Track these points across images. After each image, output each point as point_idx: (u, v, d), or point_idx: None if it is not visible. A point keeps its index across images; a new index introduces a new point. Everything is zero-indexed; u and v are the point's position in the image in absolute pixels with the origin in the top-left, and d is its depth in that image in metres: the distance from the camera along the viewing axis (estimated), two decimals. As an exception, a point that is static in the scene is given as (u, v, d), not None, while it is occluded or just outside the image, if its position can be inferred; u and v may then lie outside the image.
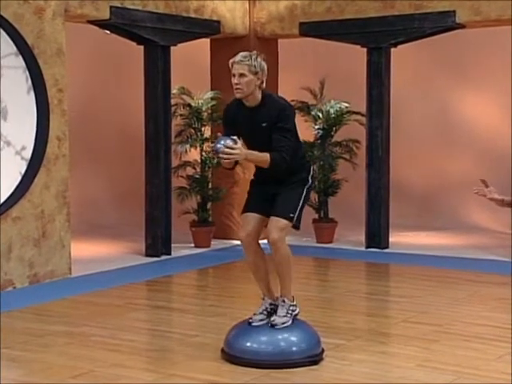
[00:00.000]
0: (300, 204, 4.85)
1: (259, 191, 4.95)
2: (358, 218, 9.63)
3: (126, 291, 7.07)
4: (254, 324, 4.92)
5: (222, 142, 4.58)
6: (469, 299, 6.68)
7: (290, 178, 4.85)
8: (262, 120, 4.75)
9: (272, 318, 4.90)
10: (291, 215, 4.80)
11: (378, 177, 9.13)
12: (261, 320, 4.94)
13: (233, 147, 4.57)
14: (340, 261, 8.64)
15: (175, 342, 5.50)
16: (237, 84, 4.73)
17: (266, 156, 4.67)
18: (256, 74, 4.72)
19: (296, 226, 4.88)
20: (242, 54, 4.80)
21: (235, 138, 4.62)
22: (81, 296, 6.85)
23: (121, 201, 10.93)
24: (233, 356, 4.89)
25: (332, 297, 7.06)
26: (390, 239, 9.26)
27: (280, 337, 4.85)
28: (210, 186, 9.52)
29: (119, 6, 8.05)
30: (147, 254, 8.67)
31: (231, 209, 9.81)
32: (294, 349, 4.85)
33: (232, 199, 9.72)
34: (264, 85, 4.80)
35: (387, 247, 9.18)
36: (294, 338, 4.87)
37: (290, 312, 4.92)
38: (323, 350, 4.99)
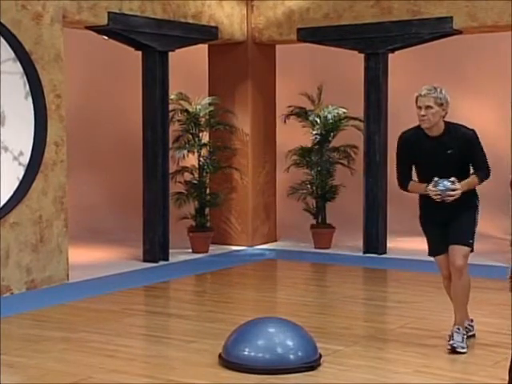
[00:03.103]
0: (475, 229, 5.24)
1: (435, 223, 5.27)
2: (355, 223, 9.64)
3: (124, 297, 7.06)
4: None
5: (443, 185, 5.03)
6: (466, 305, 6.67)
7: (463, 201, 5.12)
8: (447, 147, 5.11)
9: (454, 345, 5.14)
10: (470, 241, 5.18)
11: (375, 182, 9.14)
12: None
13: (455, 188, 5.01)
14: (338, 266, 8.63)
15: (173, 348, 5.50)
16: (423, 115, 5.07)
17: (475, 179, 5.15)
18: (441, 105, 5.07)
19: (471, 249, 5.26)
20: (426, 87, 5.12)
21: (453, 179, 5.02)
22: (78, 302, 6.84)
23: (118, 206, 10.92)
24: (230, 362, 4.89)
25: (330, 302, 7.06)
26: (388, 245, 9.27)
27: (277, 342, 4.86)
28: (207, 191, 9.52)
29: (117, 11, 8.06)
30: (145, 260, 8.67)
31: (229, 214, 9.81)
32: (292, 354, 4.85)
33: (230, 205, 9.72)
34: (447, 115, 5.16)
35: (385, 253, 9.19)
36: (291, 344, 4.88)
37: (464, 337, 5.20)
38: (321, 356, 4.99)
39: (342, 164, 9.68)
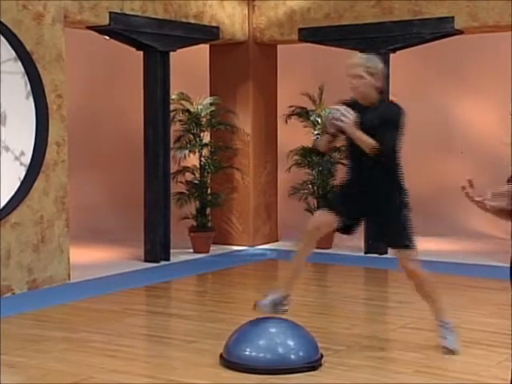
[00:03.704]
0: (412, 229, 5.00)
1: (354, 197, 4.99)
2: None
3: (125, 297, 7.06)
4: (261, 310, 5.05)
5: (337, 107, 4.75)
6: (468, 305, 6.68)
7: (388, 187, 4.94)
8: (375, 118, 4.84)
9: (447, 345, 5.08)
10: (411, 244, 4.98)
11: (376, 182, 9.12)
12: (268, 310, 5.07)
13: (348, 111, 4.72)
14: (339, 266, 8.63)
15: (174, 348, 5.50)
16: (354, 85, 4.87)
17: (372, 141, 4.75)
18: (373, 75, 4.85)
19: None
20: (359, 55, 5.01)
21: (349, 110, 4.74)
22: (79, 302, 6.84)
23: (120, 206, 10.92)
24: (231, 362, 4.89)
25: (330, 302, 7.06)
26: (389, 245, 9.25)
27: (278, 342, 4.86)
28: (208, 191, 9.52)
29: (118, 11, 8.06)
30: (146, 260, 8.67)
31: (230, 214, 9.81)
32: (293, 354, 4.85)
33: (231, 205, 9.72)
34: (382, 86, 4.93)
35: (386, 253, 9.17)
36: (292, 344, 4.87)
37: (450, 328, 5.11)
38: (322, 356, 4.99)
39: (343, 164, 9.67)
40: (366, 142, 4.79)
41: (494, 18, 8.36)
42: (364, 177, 4.98)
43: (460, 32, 8.71)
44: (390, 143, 4.88)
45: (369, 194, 4.97)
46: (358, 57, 4.89)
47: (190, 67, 10.49)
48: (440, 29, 8.68)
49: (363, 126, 4.83)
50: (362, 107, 4.92)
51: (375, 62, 4.86)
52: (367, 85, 4.82)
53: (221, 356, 5.01)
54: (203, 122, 9.39)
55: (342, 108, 4.75)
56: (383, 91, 5.03)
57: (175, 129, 9.30)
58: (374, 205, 4.99)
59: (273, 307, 5.08)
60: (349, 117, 4.71)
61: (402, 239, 4.99)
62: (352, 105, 4.95)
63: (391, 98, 5.04)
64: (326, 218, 5.02)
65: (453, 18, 8.53)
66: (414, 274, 5.05)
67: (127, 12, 8.16)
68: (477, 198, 3.41)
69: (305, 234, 5.10)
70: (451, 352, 5.11)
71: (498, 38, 9.36)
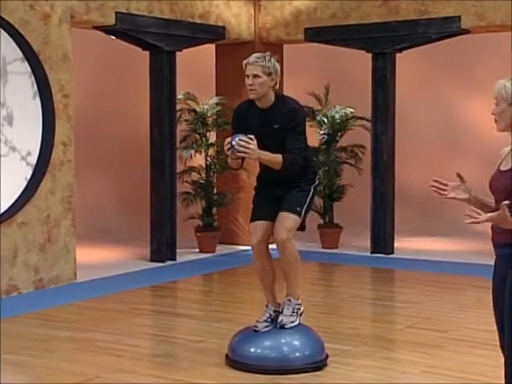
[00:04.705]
0: (307, 201, 4.88)
1: (265, 197, 4.98)
2: (363, 223, 9.63)
3: (131, 296, 7.07)
4: (260, 331, 4.92)
5: (238, 138, 4.64)
6: (474, 305, 6.67)
7: (297, 179, 4.88)
8: (274, 121, 4.80)
9: (279, 319, 4.91)
10: (298, 209, 4.83)
11: (382, 182, 9.13)
12: (266, 327, 4.95)
13: (249, 142, 4.62)
14: (345, 266, 8.63)
15: (180, 348, 5.50)
16: (251, 85, 4.77)
17: (279, 157, 4.73)
18: (270, 74, 4.77)
19: (302, 227, 4.92)
20: (255, 55, 4.85)
21: (252, 136, 4.66)
22: (86, 301, 6.85)
23: (126, 206, 10.94)
24: (237, 362, 4.89)
25: (337, 302, 7.05)
26: (395, 244, 9.25)
27: (284, 342, 4.86)
28: (214, 191, 9.52)
29: (125, 11, 8.07)
30: (152, 260, 8.68)
31: (236, 214, 9.81)
32: (298, 354, 4.85)
33: (237, 204, 9.72)
34: (277, 86, 4.85)
35: (392, 253, 9.17)
36: (297, 344, 4.87)
37: (295, 310, 4.94)
38: (327, 356, 4.99)
39: (349, 164, 9.67)
40: (274, 160, 4.74)
41: (500, 18, 8.34)
42: (273, 179, 4.92)
43: (466, 31, 8.70)
44: (301, 153, 4.80)
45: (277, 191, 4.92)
46: (254, 56, 4.81)
47: (196, 67, 10.50)
48: (446, 28, 8.67)
49: (267, 128, 4.78)
50: (259, 109, 4.86)
51: (272, 62, 4.80)
52: (263, 84, 4.77)
53: (226, 356, 5.01)
54: (209, 122, 9.39)
55: (244, 138, 4.64)
56: (278, 91, 4.93)
57: (181, 129, 9.31)
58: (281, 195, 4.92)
59: (269, 324, 4.97)
60: (251, 147, 4.61)
61: (291, 204, 4.85)
62: (248, 108, 4.90)
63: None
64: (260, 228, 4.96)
65: (459, 17, 8.52)
66: (282, 243, 4.83)
67: (133, 12, 8.17)
68: (460, 196, 3.38)
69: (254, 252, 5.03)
70: (283, 326, 4.88)
71: (505, 38, 9.34)
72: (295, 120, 4.79)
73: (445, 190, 3.47)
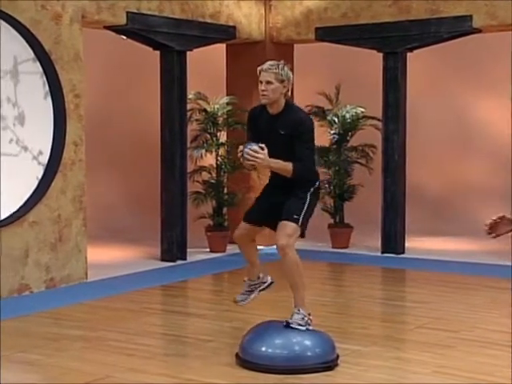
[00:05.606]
0: (304, 208, 4.98)
1: (266, 199, 5.15)
2: (373, 223, 9.61)
3: (142, 296, 7.09)
4: (240, 303, 5.36)
5: (249, 147, 4.83)
6: (485, 305, 6.65)
7: (294, 187, 4.99)
8: (281, 127, 4.95)
9: (290, 321, 4.95)
10: (295, 216, 4.93)
11: (393, 182, 9.12)
12: (244, 299, 5.39)
13: (258, 152, 4.79)
14: (355, 266, 8.62)
15: (191, 347, 5.51)
16: (263, 90, 4.93)
17: (289, 166, 4.89)
18: (282, 82, 4.93)
19: (301, 233, 5.01)
20: (269, 62, 5.01)
21: (263, 145, 4.82)
22: (97, 301, 6.87)
23: (137, 205, 10.96)
24: (247, 361, 4.90)
25: (347, 302, 7.05)
26: (406, 244, 9.24)
27: (295, 341, 4.86)
28: (225, 190, 9.53)
29: (136, 11, 8.09)
30: (163, 259, 8.69)
31: (247, 214, 9.79)
32: (309, 354, 4.85)
33: (247, 204, 9.65)
34: (289, 93, 5.00)
35: (403, 252, 9.16)
36: (308, 343, 4.88)
37: (306, 321, 4.96)
38: (338, 356, 4.99)
39: (360, 163, 9.66)
40: (284, 169, 4.90)
41: (512, 17, 8.31)
42: (279, 184, 5.08)
43: (478, 31, 8.67)
44: (310, 160, 4.98)
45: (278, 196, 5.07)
46: (268, 63, 4.99)
47: (206, 67, 10.51)
48: (458, 27, 8.65)
49: (274, 133, 4.93)
50: (269, 114, 5.01)
51: (285, 70, 4.97)
52: (275, 91, 4.91)
53: (237, 355, 5.01)
54: (220, 122, 9.40)
55: (254, 146, 4.82)
56: (289, 99, 5.08)
57: (192, 128, 9.32)
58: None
59: (249, 293, 5.43)
60: (260, 156, 4.81)
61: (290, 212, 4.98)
62: (260, 112, 5.05)
63: None
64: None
65: (471, 16, 8.50)
66: (282, 249, 4.95)
67: (144, 12, 8.19)
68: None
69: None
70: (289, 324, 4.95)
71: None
72: (301, 128, 4.93)
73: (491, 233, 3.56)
